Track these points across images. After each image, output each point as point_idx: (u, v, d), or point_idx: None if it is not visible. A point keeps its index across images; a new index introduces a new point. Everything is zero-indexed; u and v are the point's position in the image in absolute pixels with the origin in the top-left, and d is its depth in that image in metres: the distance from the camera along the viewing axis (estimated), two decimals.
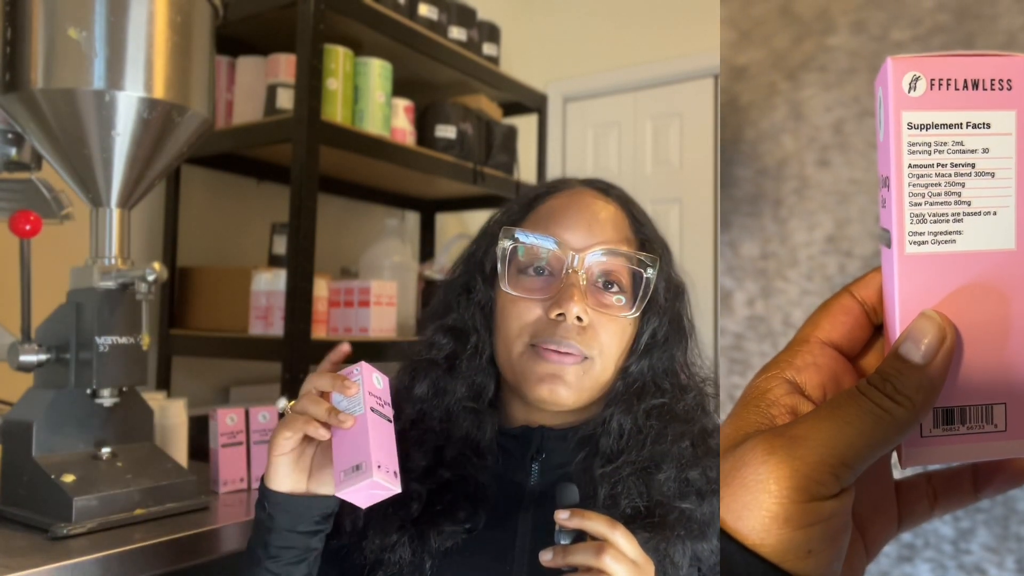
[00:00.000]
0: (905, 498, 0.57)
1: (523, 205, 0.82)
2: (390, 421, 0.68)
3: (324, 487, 0.70)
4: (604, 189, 0.82)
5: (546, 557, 0.61)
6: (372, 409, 0.66)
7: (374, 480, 0.62)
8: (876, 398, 0.49)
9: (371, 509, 0.76)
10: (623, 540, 0.59)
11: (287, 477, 0.69)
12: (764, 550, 0.46)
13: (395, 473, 0.64)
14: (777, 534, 0.46)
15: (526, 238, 0.76)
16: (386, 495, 0.64)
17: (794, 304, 0.73)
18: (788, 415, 0.51)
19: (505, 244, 0.76)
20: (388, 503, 0.75)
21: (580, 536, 0.61)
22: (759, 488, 0.47)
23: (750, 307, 0.75)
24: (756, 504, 0.47)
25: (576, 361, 0.73)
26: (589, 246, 0.75)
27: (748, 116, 0.73)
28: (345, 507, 0.80)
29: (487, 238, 0.82)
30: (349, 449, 0.64)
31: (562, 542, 0.61)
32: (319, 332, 1.56)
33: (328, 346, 1.66)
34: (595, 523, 0.60)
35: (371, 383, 0.69)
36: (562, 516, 0.61)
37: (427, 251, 2.34)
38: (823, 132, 0.72)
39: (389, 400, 0.70)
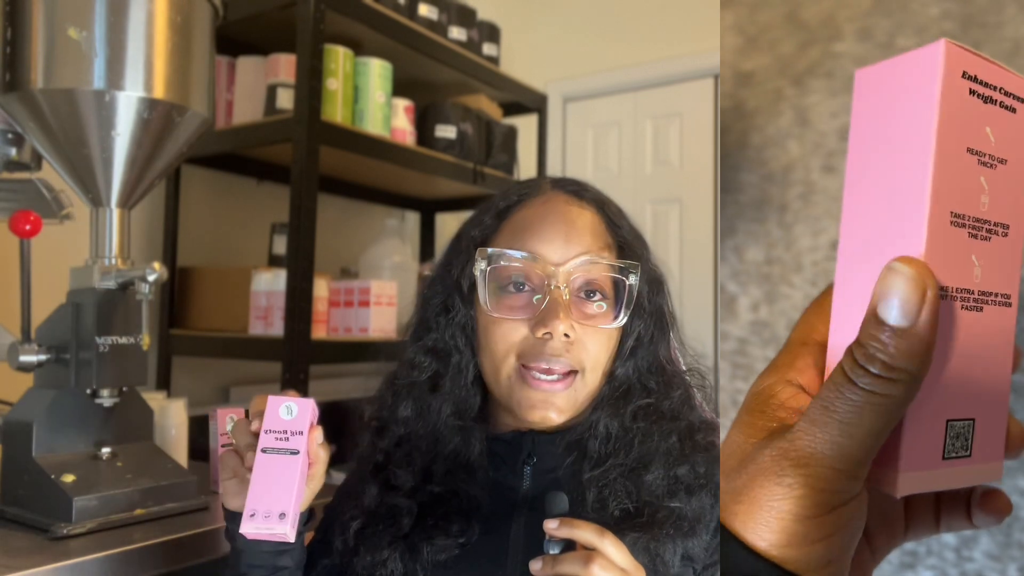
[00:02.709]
0: (913, 511, 0.57)
1: (495, 216, 0.79)
2: (294, 454, 0.66)
3: None
4: (577, 192, 0.79)
5: (536, 567, 0.60)
6: (263, 450, 0.66)
7: (246, 529, 0.64)
8: (870, 384, 0.45)
9: (362, 526, 0.76)
10: (612, 548, 0.58)
11: (236, 496, 0.71)
12: (788, 565, 0.46)
13: (281, 515, 0.64)
14: (798, 549, 0.46)
15: (503, 257, 0.74)
16: (275, 537, 0.65)
17: (798, 310, 0.73)
18: (797, 418, 0.51)
19: (482, 265, 0.74)
20: (379, 519, 0.75)
21: (570, 545, 0.60)
22: (777, 506, 0.46)
23: (754, 312, 0.75)
24: (776, 521, 0.46)
25: (566, 385, 0.72)
26: (569, 258, 0.73)
27: (754, 121, 0.73)
28: (336, 526, 0.79)
29: (462, 255, 0.79)
30: (251, 489, 0.65)
31: (552, 551, 0.60)
32: (319, 332, 1.56)
33: (328, 346, 1.66)
34: (584, 532, 0.59)
35: (274, 417, 0.67)
36: (551, 525, 0.60)
37: (427, 251, 2.34)
38: (829, 138, 0.72)
39: (301, 428, 0.67)
